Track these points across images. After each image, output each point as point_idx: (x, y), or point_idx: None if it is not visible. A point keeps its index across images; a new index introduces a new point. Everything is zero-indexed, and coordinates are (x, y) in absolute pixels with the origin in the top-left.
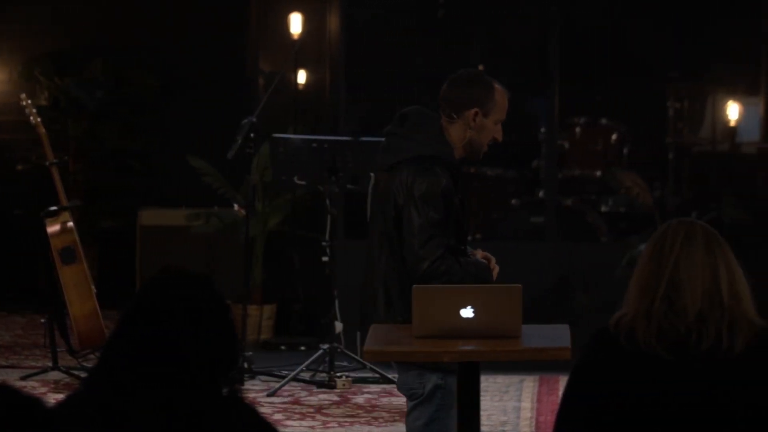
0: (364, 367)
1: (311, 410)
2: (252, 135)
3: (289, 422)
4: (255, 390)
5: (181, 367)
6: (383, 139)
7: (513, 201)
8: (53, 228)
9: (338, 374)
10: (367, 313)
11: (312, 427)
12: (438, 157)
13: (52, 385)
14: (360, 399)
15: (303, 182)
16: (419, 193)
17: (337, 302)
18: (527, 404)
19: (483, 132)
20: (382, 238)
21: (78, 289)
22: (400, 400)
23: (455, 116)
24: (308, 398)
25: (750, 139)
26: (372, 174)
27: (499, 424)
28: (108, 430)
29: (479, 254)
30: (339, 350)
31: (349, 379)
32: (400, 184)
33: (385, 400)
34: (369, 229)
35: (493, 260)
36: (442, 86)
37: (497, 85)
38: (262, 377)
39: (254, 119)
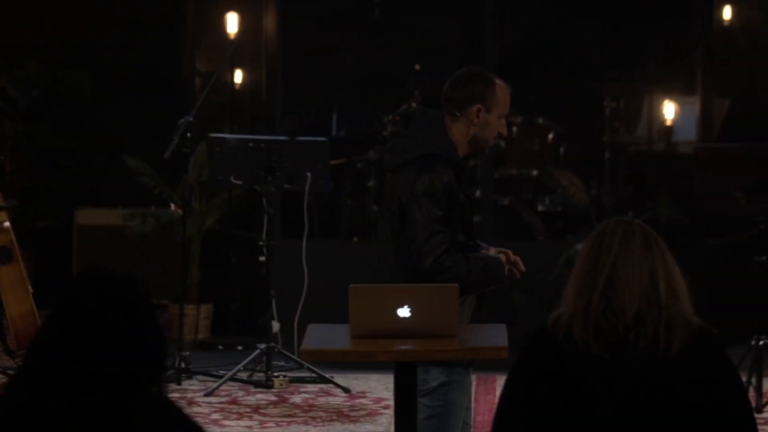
0: (301, 367)
1: (248, 410)
2: (189, 135)
3: (226, 422)
4: (192, 390)
5: (106, 367)
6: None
7: None
8: None
9: (275, 374)
10: None
11: (249, 427)
12: (440, 155)
13: None
14: (297, 399)
15: (240, 182)
16: (421, 191)
17: (274, 302)
18: None
19: (487, 127)
20: (389, 237)
21: (14, 289)
22: (337, 400)
23: (458, 114)
24: (245, 398)
25: (686, 138)
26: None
27: None
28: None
29: (492, 251)
30: (276, 350)
31: (287, 378)
32: (404, 183)
33: (322, 400)
34: (378, 228)
35: (511, 255)
36: (444, 85)
37: (498, 81)
38: (200, 377)
39: (191, 119)
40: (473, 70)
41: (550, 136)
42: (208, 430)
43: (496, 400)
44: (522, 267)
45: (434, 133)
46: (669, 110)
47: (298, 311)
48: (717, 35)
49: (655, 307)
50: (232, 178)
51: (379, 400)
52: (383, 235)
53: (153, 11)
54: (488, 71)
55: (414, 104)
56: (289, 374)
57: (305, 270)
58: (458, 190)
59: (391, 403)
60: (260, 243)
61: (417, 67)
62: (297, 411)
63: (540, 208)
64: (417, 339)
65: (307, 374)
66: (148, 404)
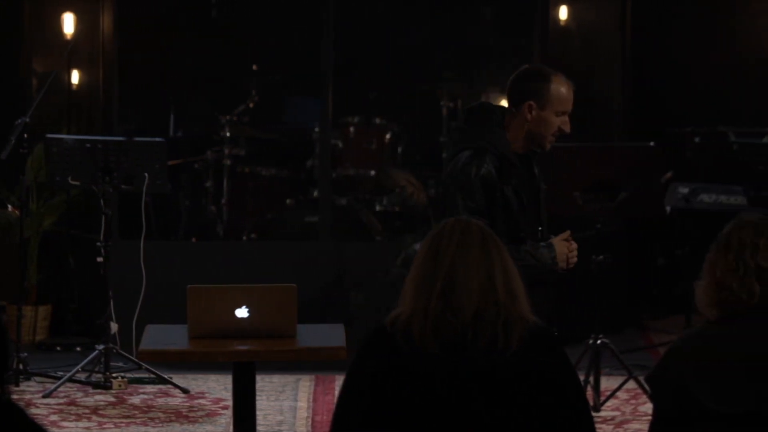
0: (140, 368)
1: (87, 411)
2: (25, 135)
3: (65, 423)
4: (30, 391)
5: None
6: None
7: (288, 201)
8: None
9: (114, 375)
10: None
11: (88, 428)
12: (487, 148)
13: None
14: (136, 399)
15: (77, 182)
16: (457, 181)
17: (112, 302)
18: (303, 404)
19: (542, 124)
20: None
21: None
22: (176, 401)
23: (514, 110)
24: (84, 399)
25: None
26: None
27: (276, 424)
28: None
29: (555, 240)
30: (114, 351)
31: (125, 379)
32: (446, 172)
33: (161, 401)
34: None
35: (572, 244)
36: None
37: (557, 78)
38: (38, 378)
39: (28, 119)
40: (533, 66)
41: (388, 136)
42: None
43: (335, 400)
44: (574, 258)
45: (488, 126)
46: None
47: (137, 312)
48: (553, 35)
49: (493, 307)
50: (69, 179)
51: (218, 400)
52: None
53: None
54: (550, 68)
55: (251, 104)
56: (128, 375)
57: (143, 270)
58: (501, 183)
59: (230, 403)
60: (98, 243)
61: (254, 67)
62: (136, 412)
63: (378, 208)
64: (256, 339)
65: (146, 375)
66: None
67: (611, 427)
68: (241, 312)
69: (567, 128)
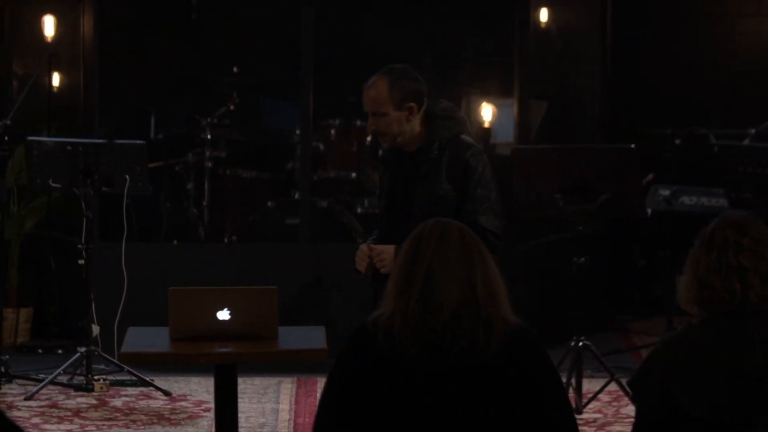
0: (121, 370)
1: (69, 414)
2: (6, 138)
3: (47, 426)
4: (12, 394)
5: None
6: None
7: (269, 203)
8: None
9: (96, 377)
10: None
11: (70, 431)
12: None
13: None
14: (118, 402)
15: (58, 185)
16: None
17: (93, 305)
18: (285, 406)
19: None
20: None
21: None
22: (158, 403)
23: None
24: (66, 401)
25: (504, 140)
26: None
27: (258, 426)
28: None
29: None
30: (96, 353)
31: (107, 381)
32: None
33: (143, 403)
34: None
35: (372, 248)
36: None
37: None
38: (19, 381)
39: (8, 122)
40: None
41: (369, 138)
42: None
43: (317, 402)
44: (380, 263)
45: None
46: (487, 112)
47: (118, 314)
48: (534, 37)
49: (473, 308)
50: (50, 181)
51: (200, 402)
52: None
53: None
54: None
55: (232, 107)
56: (110, 377)
57: (125, 273)
58: (384, 169)
59: (212, 405)
60: (79, 246)
61: (235, 69)
62: (118, 414)
63: (359, 210)
64: (237, 341)
65: (128, 377)
66: None
67: (593, 429)
68: (223, 314)
69: (369, 129)
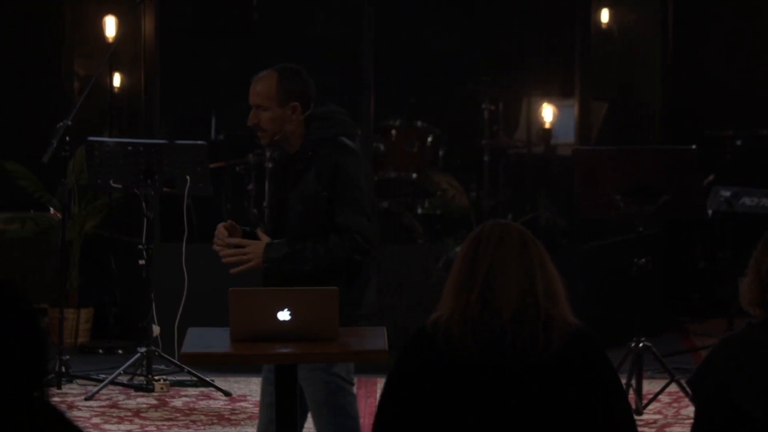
0: (181, 370)
1: (129, 414)
2: (67, 138)
3: (107, 426)
4: (73, 394)
5: None
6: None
7: None
8: None
9: (156, 377)
10: None
11: (130, 431)
12: None
13: None
14: (178, 402)
15: (119, 185)
16: None
17: (154, 305)
18: None
19: None
20: None
21: None
22: (218, 403)
23: None
24: (126, 402)
25: (565, 140)
26: None
27: None
28: None
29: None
30: (156, 353)
31: (167, 382)
32: None
33: (203, 403)
34: None
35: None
36: None
37: None
38: (80, 381)
39: (69, 122)
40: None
41: (429, 139)
42: None
43: (377, 403)
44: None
45: None
46: (547, 113)
47: (179, 314)
48: (595, 38)
49: (533, 309)
50: (111, 182)
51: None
52: None
53: (30, 15)
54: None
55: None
56: (170, 378)
57: (185, 273)
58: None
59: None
60: (140, 246)
61: None
62: (178, 414)
63: (419, 211)
64: (297, 342)
65: (188, 378)
66: (30, 409)
67: (653, 430)
68: (283, 315)
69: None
